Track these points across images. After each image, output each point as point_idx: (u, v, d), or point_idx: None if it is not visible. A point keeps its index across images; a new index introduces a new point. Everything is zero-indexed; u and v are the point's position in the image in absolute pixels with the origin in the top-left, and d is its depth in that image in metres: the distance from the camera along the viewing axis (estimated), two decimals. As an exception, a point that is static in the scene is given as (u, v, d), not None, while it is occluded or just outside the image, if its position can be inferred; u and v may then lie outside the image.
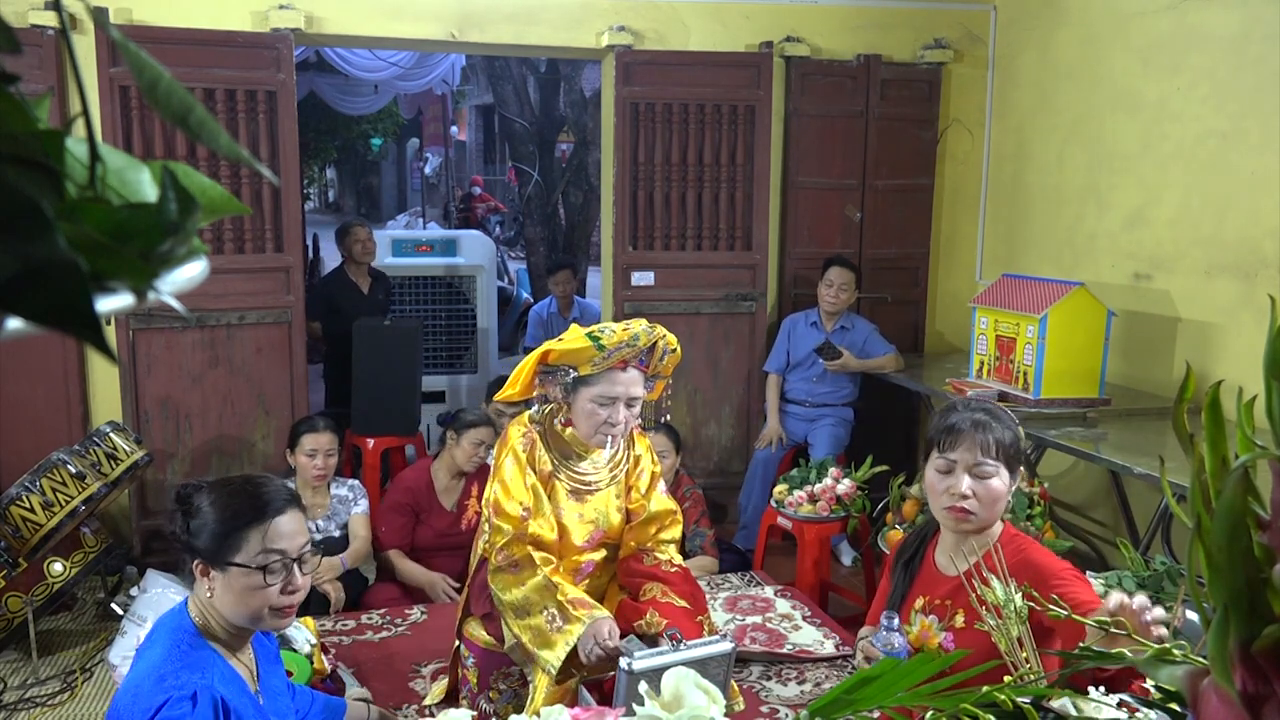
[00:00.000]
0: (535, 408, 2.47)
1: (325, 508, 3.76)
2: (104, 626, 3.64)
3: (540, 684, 2.32)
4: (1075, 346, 3.53)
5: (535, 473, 2.39)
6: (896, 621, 2.06)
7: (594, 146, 8.24)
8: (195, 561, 1.73)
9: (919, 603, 2.11)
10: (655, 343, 2.37)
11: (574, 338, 2.32)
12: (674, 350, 2.42)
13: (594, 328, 2.34)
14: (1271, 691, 0.52)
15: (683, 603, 2.40)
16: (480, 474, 3.91)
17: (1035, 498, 3.11)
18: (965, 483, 1.97)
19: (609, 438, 2.38)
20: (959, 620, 2.01)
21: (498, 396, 2.70)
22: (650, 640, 2.29)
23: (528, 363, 2.37)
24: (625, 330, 2.30)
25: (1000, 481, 1.98)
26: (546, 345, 2.36)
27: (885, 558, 2.36)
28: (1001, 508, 2.01)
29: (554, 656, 2.22)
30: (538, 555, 2.33)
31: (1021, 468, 2.05)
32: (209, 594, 1.72)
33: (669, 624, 2.31)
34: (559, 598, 2.27)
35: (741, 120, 4.63)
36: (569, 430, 2.43)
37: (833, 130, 4.80)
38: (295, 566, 1.74)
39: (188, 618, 1.73)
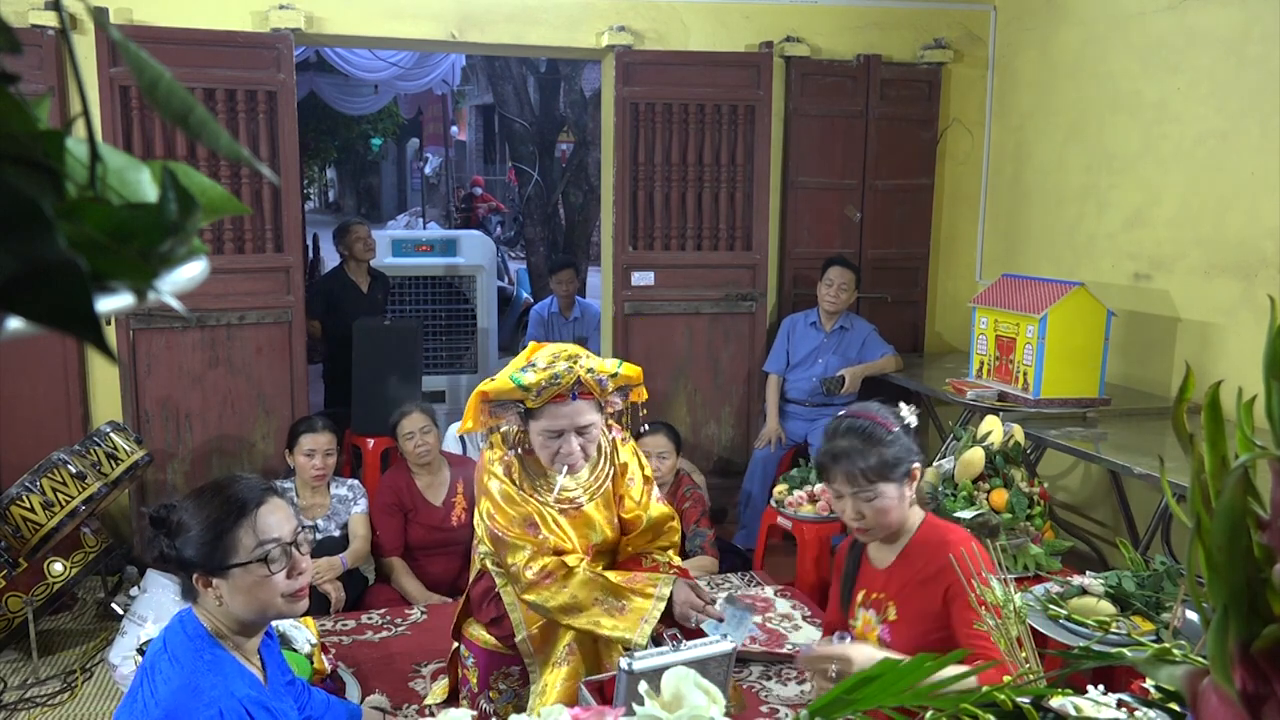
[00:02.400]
0: (505, 428, 2.44)
1: (325, 508, 3.76)
2: (104, 626, 3.64)
3: (551, 681, 2.32)
4: (1075, 346, 3.53)
5: (521, 490, 2.37)
6: (849, 639, 2.12)
7: (594, 146, 8.24)
8: (194, 576, 1.71)
9: (860, 596, 2.20)
10: (580, 377, 2.28)
11: (501, 378, 2.28)
12: (614, 374, 2.34)
13: (520, 366, 2.29)
14: (1271, 691, 0.52)
15: None
16: (465, 469, 3.90)
17: (1035, 498, 3.11)
18: (850, 510, 2.07)
19: (567, 466, 2.35)
20: (891, 613, 2.11)
21: (458, 430, 2.67)
22: (653, 639, 2.28)
23: (473, 398, 2.35)
24: (547, 369, 2.24)
25: (884, 498, 2.04)
26: (481, 386, 2.33)
27: (837, 553, 2.40)
28: (899, 513, 2.08)
29: (634, 632, 2.20)
30: (571, 559, 2.31)
31: (916, 466, 2.08)
32: (217, 603, 1.71)
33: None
34: (611, 582, 2.27)
35: (741, 120, 4.63)
36: (534, 455, 2.41)
37: (833, 130, 4.80)
38: (294, 550, 1.75)
39: (199, 624, 1.72)
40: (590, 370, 2.29)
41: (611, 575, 2.31)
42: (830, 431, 2.11)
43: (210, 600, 1.71)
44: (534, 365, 2.28)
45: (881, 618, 2.13)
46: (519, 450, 2.41)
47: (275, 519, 1.74)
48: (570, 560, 2.31)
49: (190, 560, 1.70)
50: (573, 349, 2.34)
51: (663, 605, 2.24)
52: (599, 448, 2.44)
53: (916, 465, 2.09)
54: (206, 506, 1.72)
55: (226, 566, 1.68)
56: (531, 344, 2.42)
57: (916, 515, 2.14)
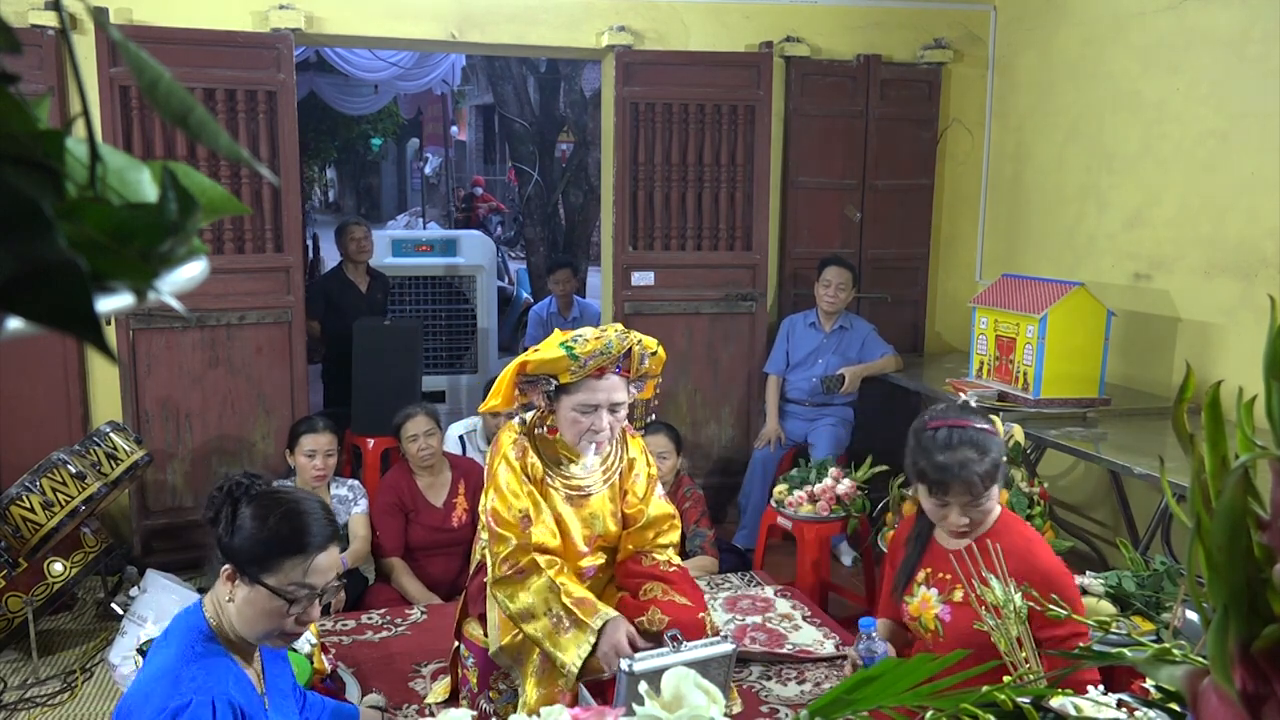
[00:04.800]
0: (524, 413, 2.45)
1: (325, 508, 3.76)
2: (104, 626, 3.64)
3: (529, 687, 2.33)
4: (1075, 346, 3.53)
5: (530, 479, 2.37)
6: (874, 630, 2.18)
7: (594, 146, 8.24)
8: (225, 565, 1.72)
9: (922, 575, 2.23)
10: (631, 348, 2.33)
11: (548, 348, 2.29)
12: (654, 353, 2.38)
13: (568, 336, 2.30)
14: (1271, 691, 0.52)
15: (684, 600, 2.40)
16: (466, 470, 3.91)
17: (1035, 498, 3.11)
18: (956, 516, 2.11)
19: (595, 444, 2.36)
20: (957, 595, 2.13)
21: (481, 408, 2.68)
22: (654, 638, 2.28)
23: (507, 373, 2.35)
24: (598, 339, 2.26)
25: (991, 500, 2.11)
26: (522, 357, 2.34)
27: (892, 540, 2.43)
28: (996, 508, 2.15)
29: (568, 660, 2.20)
30: (542, 559, 2.31)
31: (1009, 464, 2.13)
32: (228, 599, 1.72)
33: (672, 621, 2.32)
34: (563, 599, 2.25)
35: (741, 120, 4.63)
36: (557, 436, 2.42)
37: (833, 130, 4.80)
38: (317, 599, 1.76)
39: (203, 619, 1.73)
40: (639, 342, 2.33)
41: (571, 591, 2.28)
42: (940, 443, 2.09)
43: (223, 594, 1.72)
44: (582, 336, 2.28)
45: (944, 598, 2.16)
46: (543, 428, 2.41)
47: (325, 567, 1.75)
48: (542, 560, 2.30)
49: (232, 550, 1.71)
50: (618, 325, 2.37)
51: (594, 638, 2.20)
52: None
53: (1022, 471, 2.17)
54: (280, 522, 1.72)
55: (258, 580, 1.69)
56: (557, 331, 2.42)
57: (996, 509, 2.20)
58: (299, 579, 1.70)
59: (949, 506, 2.10)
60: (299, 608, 1.71)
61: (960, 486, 2.07)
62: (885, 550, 3.35)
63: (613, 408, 2.32)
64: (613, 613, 2.26)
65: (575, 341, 2.26)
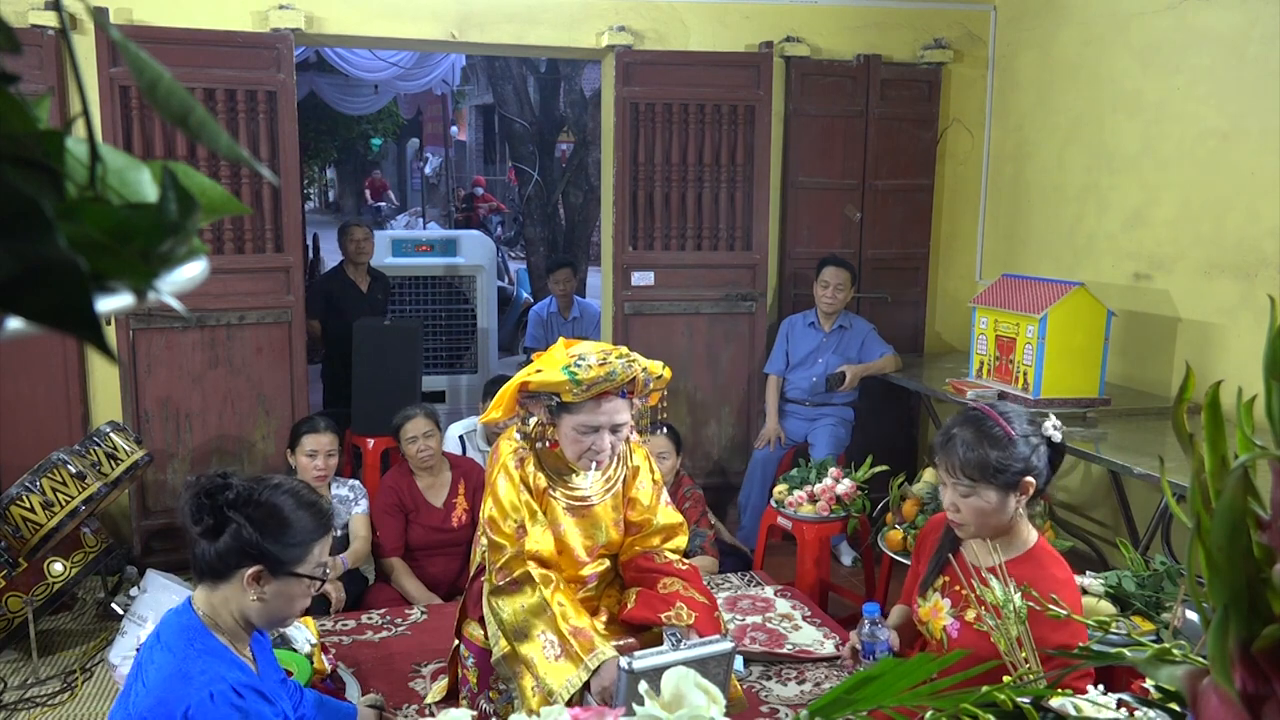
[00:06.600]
0: (525, 421, 2.44)
1: (325, 508, 3.76)
2: (104, 626, 3.64)
3: (527, 688, 2.32)
4: (1075, 346, 3.53)
5: (530, 489, 2.36)
6: (879, 616, 2.16)
7: (594, 146, 8.24)
8: (250, 569, 1.72)
9: (939, 581, 2.14)
10: (635, 375, 2.29)
11: (551, 370, 2.26)
12: (659, 377, 2.35)
13: (573, 356, 2.27)
14: (1271, 691, 0.51)
15: (703, 599, 2.41)
16: (466, 470, 3.91)
17: (1035, 498, 3.11)
18: (948, 499, 2.02)
19: (595, 462, 2.35)
20: (969, 614, 2.04)
21: (481, 419, 2.68)
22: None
23: (509, 388, 2.33)
24: (602, 365, 2.23)
25: (981, 499, 1.97)
26: (523, 375, 2.31)
27: (922, 532, 2.34)
28: (998, 519, 1.99)
29: (556, 688, 2.19)
30: (538, 573, 2.30)
31: (1028, 480, 1.97)
32: (254, 599, 1.74)
33: (699, 617, 2.33)
34: (559, 624, 2.24)
35: (741, 120, 4.63)
36: (558, 450, 2.40)
37: (833, 130, 4.80)
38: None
39: (194, 615, 1.75)
40: (644, 369, 2.31)
41: (567, 618, 2.27)
42: (960, 419, 2.04)
43: (248, 596, 1.74)
44: (585, 360, 2.25)
45: (956, 612, 2.07)
46: (544, 443, 2.40)
47: (329, 543, 1.87)
48: (537, 574, 2.29)
49: (264, 552, 1.73)
50: (622, 349, 2.34)
51: (587, 676, 2.19)
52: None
53: (1029, 479, 1.98)
54: (302, 511, 1.79)
55: (292, 572, 1.76)
56: (562, 339, 2.40)
57: (1030, 532, 2.06)
58: (321, 560, 1.82)
59: (945, 486, 2.04)
60: (318, 586, 1.84)
61: (945, 462, 2.00)
62: (886, 550, 3.37)
63: (614, 429, 2.30)
64: (610, 652, 2.22)
65: (578, 367, 2.23)
